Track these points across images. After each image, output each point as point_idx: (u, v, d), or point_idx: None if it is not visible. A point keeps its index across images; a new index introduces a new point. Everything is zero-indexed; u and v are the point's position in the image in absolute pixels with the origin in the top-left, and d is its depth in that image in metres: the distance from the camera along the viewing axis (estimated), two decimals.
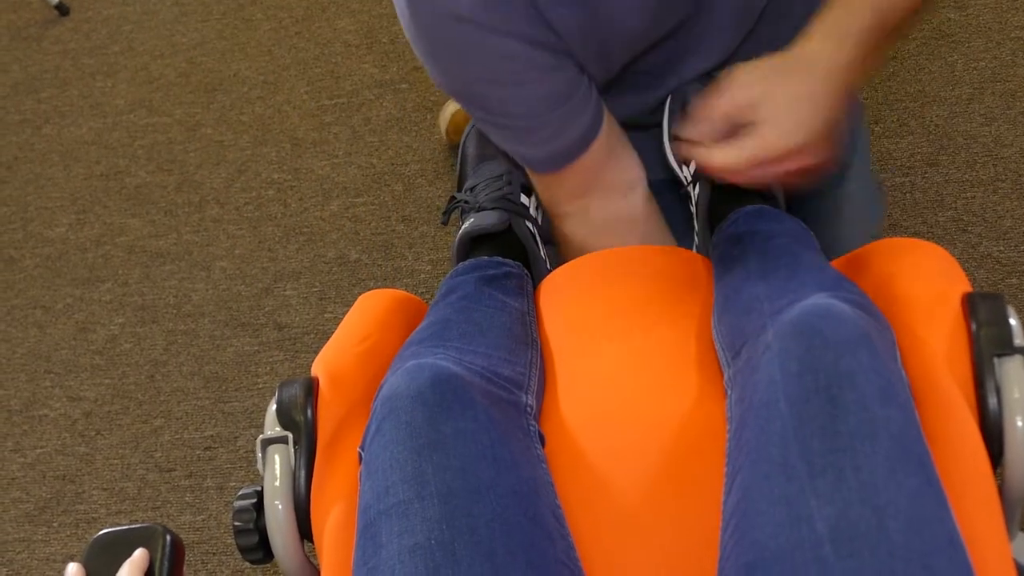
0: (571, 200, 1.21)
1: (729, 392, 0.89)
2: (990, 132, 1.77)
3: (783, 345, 0.80)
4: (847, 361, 0.76)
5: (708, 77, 1.18)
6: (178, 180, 2.09)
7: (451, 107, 1.91)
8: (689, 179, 1.25)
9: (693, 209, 1.24)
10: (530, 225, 1.27)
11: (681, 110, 1.18)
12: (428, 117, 2.07)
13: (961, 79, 1.85)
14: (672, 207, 1.30)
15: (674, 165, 1.31)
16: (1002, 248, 1.64)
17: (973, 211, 1.69)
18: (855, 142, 1.45)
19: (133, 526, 0.84)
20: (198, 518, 1.58)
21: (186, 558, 1.53)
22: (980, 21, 1.94)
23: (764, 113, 0.96)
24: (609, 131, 1.16)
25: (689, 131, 1.01)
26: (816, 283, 0.90)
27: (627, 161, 1.21)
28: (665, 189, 1.28)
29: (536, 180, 1.23)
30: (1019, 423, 0.81)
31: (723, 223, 1.14)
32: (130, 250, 1.99)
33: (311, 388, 0.93)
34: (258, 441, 0.91)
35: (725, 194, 1.18)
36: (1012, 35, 1.90)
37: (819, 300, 0.83)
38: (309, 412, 0.92)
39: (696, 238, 1.23)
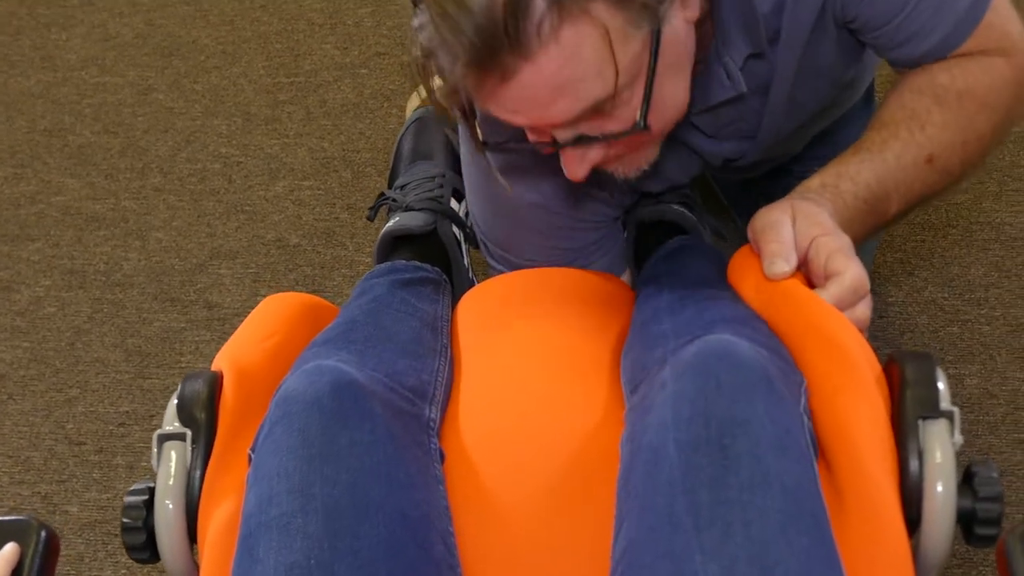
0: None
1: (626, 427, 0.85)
2: None
3: (678, 387, 0.76)
4: (742, 408, 0.73)
5: None
6: (123, 144, 2.04)
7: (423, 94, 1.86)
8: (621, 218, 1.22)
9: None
10: (457, 230, 1.24)
11: None
12: (385, 105, 2.03)
13: None
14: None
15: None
16: (946, 295, 1.63)
17: (921, 255, 1.68)
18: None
19: (6, 518, 0.79)
20: (104, 496, 1.53)
21: (86, 537, 1.49)
22: None
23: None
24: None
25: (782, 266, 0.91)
26: (724, 320, 0.87)
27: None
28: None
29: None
30: (939, 488, 0.79)
31: (648, 260, 1.12)
32: (65, 211, 1.93)
33: (215, 385, 0.89)
34: (155, 436, 0.87)
35: (651, 231, 1.16)
36: None
37: (719, 338, 0.79)
38: (210, 411, 0.88)
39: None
